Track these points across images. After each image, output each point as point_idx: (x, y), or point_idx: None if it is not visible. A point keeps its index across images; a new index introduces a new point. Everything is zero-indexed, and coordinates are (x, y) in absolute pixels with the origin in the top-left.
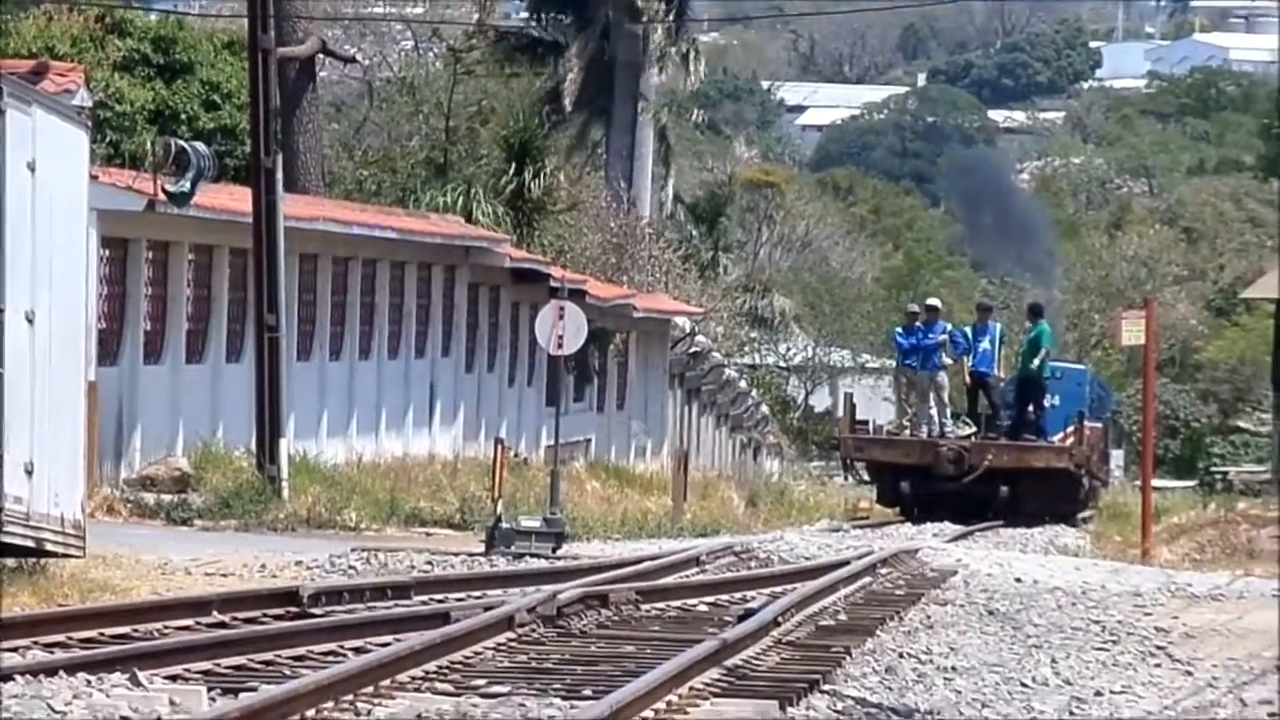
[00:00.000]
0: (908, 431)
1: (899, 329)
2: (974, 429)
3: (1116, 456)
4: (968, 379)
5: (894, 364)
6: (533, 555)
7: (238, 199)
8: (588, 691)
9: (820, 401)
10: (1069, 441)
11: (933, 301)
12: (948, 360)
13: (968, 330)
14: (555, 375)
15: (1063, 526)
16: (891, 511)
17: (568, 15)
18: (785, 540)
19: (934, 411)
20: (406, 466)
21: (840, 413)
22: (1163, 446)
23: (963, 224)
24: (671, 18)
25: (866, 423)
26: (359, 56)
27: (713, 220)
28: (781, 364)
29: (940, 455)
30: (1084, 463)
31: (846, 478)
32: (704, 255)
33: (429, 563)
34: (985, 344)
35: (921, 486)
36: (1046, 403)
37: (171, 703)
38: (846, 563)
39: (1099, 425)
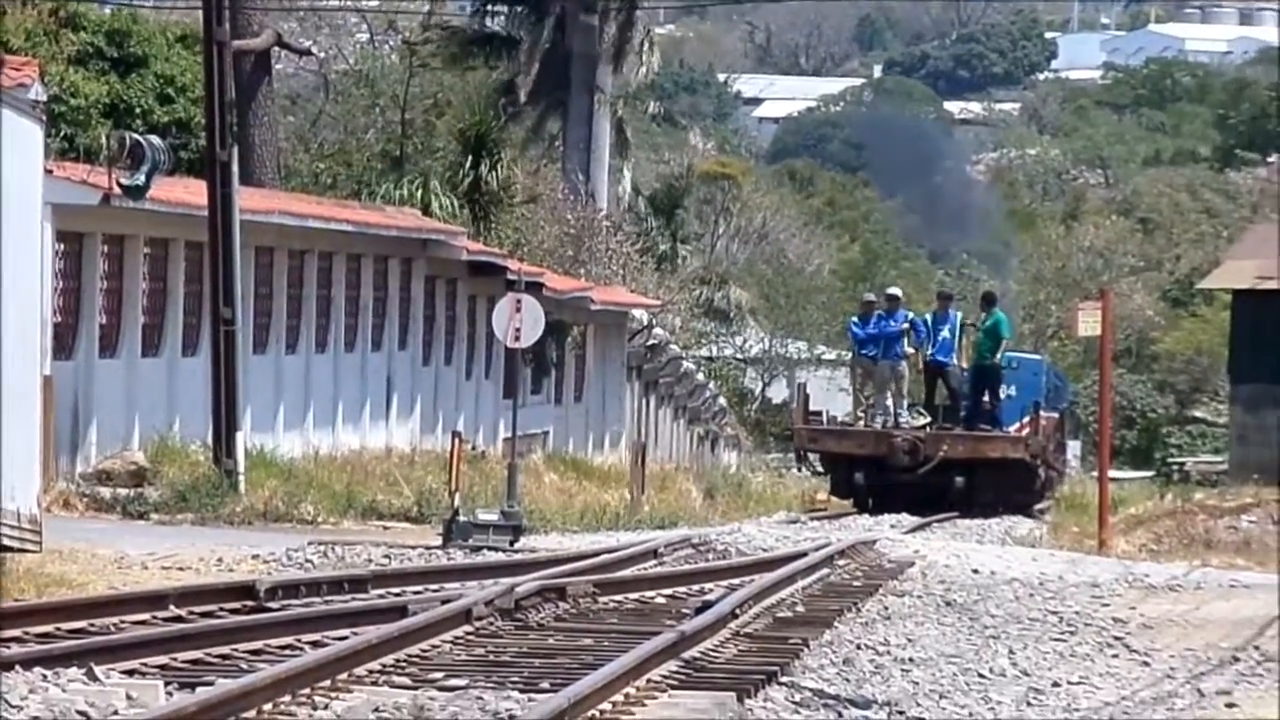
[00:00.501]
0: (862, 422)
1: (854, 319)
2: (929, 419)
3: (1073, 447)
4: (921, 367)
5: (850, 355)
6: (490, 548)
7: (193, 192)
8: (545, 684)
9: (778, 393)
10: (1025, 432)
11: (894, 290)
12: (909, 350)
13: (928, 318)
14: (512, 368)
15: (1020, 517)
16: (846, 503)
17: (523, 7)
18: (743, 532)
19: (890, 402)
20: (363, 460)
21: (794, 404)
22: (1119, 437)
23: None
24: (626, 9)
25: (820, 414)
26: (314, 49)
27: (670, 212)
28: (739, 356)
29: (895, 446)
30: (1040, 453)
31: (800, 469)
32: (661, 247)
33: (386, 556)
34: (945, 333)
35: (876, 478)
36: (1003, 393)
37: (128, 697)
38: (804, 554)
39: (1055, 415)
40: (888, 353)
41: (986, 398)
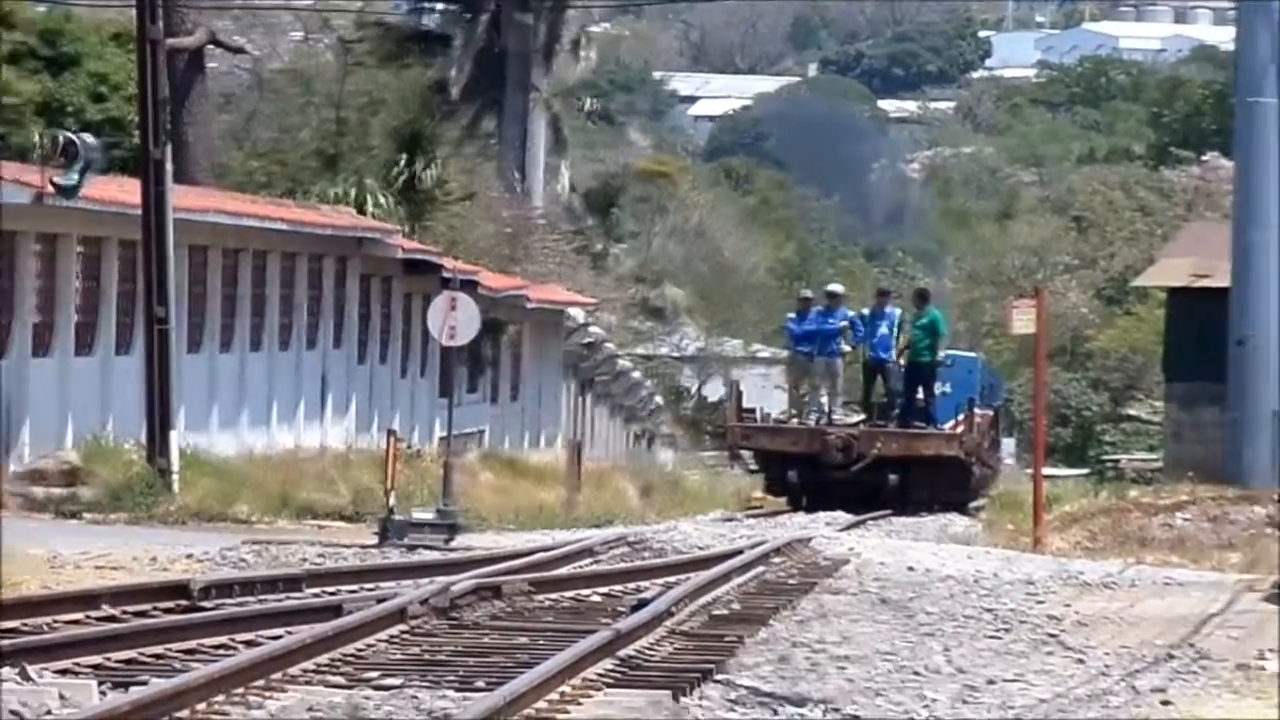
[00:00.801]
0: (795, 420)
1: (790, 315)
2: (863, 417)
3: (1008, 445)
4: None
5: (786, 353)
6: (426, 547)
7: (126, 191)
8: (481, 683)
9: (714, 391)
10: (959, 429)
11: (835, 287)
12: (846, 347)
13: (864, 313)
14: (448, 366)
15: (955, 515)
16: (782, 501)
17: (457, 5)
18: (679, 530)
19: (824, 399)
20: (298, 459)
21: (732, 401)
22: (1054, 435)
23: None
24: (559, 6)
25: (753, 411)
26: (248, 47)
27: (606, 211)
28: (675, 354)
29: (828, 443)
30: (974, 450)
31: (733, 467)
32: (597, 246)
33: (321, 555)
34: (883, 329)
35: (809, 475)
36: (938, 390)
37: (61, 697)
38: (740, 552)
39: (990, 413)
40: (824, 349)
41: (921, 395)
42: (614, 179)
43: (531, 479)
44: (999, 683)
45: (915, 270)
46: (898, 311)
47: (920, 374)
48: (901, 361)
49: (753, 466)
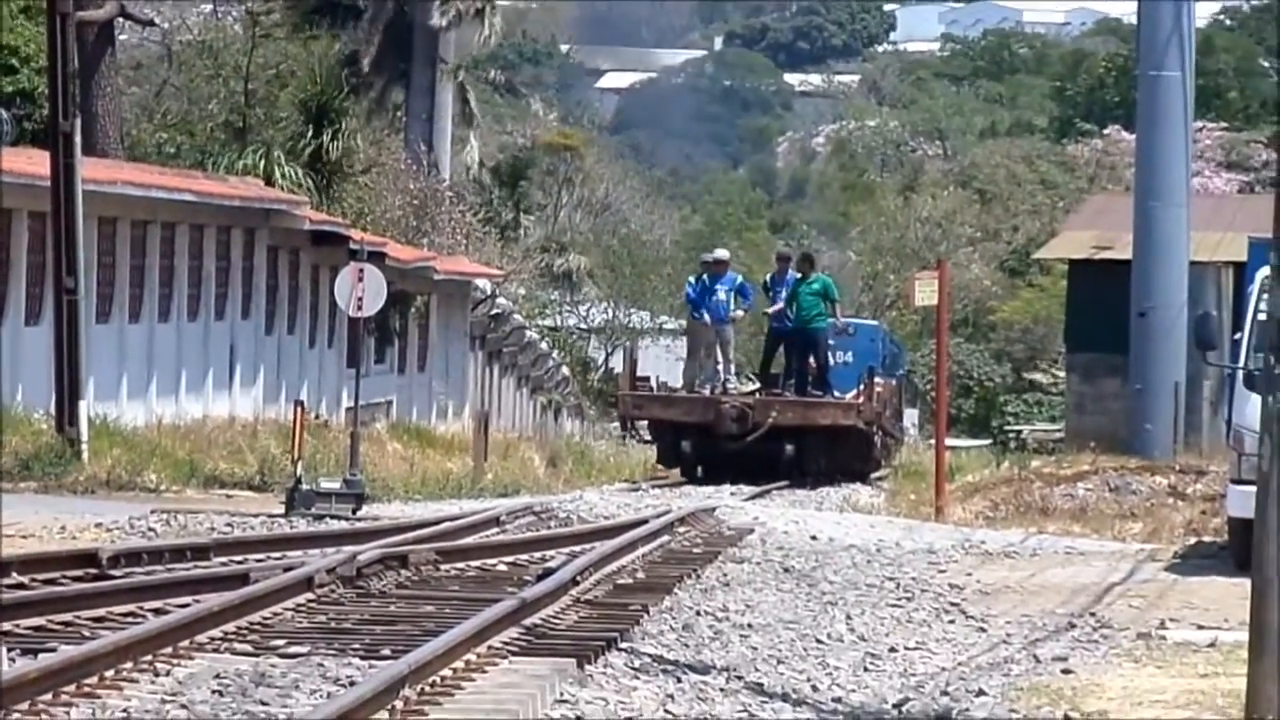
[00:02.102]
0: (685, 388)
1: (690, 279)
2: (757, 385)
3: (911, 415)
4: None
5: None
6: (333, 516)
7: (36, 163)
8: (386, 651)
9: (620, 363)
10: (859, 399)
11: (721, 253)
12: (736, 313)
13: (767, 280)
14: (355, 337)
15: (858, 485)
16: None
17: None
18: (585, 500)
19: (719, 367)
20: (206, 429)
21: (626, 370)
22: (957, 406)
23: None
24: None
25: (648, 379)
26: (158, 20)
27: (514, 184)
28: (582, 326)
29: (722, 413)
30: (874, 420)
31: (625, 438)
32: (505, 217)
33: (229, 524)
34: (785, 295)
35: (704, 446)
36: (839, 358)
37: None
38: (645, 521)
39: (892, 381)
40: (714, 316)
41: (812, 362)
42: (522, 153)
43: (439, 449)
44: (901, 651)
45: (819, 243)
46: (797, 277)
47: (811, 341)
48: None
49: (646, 436)
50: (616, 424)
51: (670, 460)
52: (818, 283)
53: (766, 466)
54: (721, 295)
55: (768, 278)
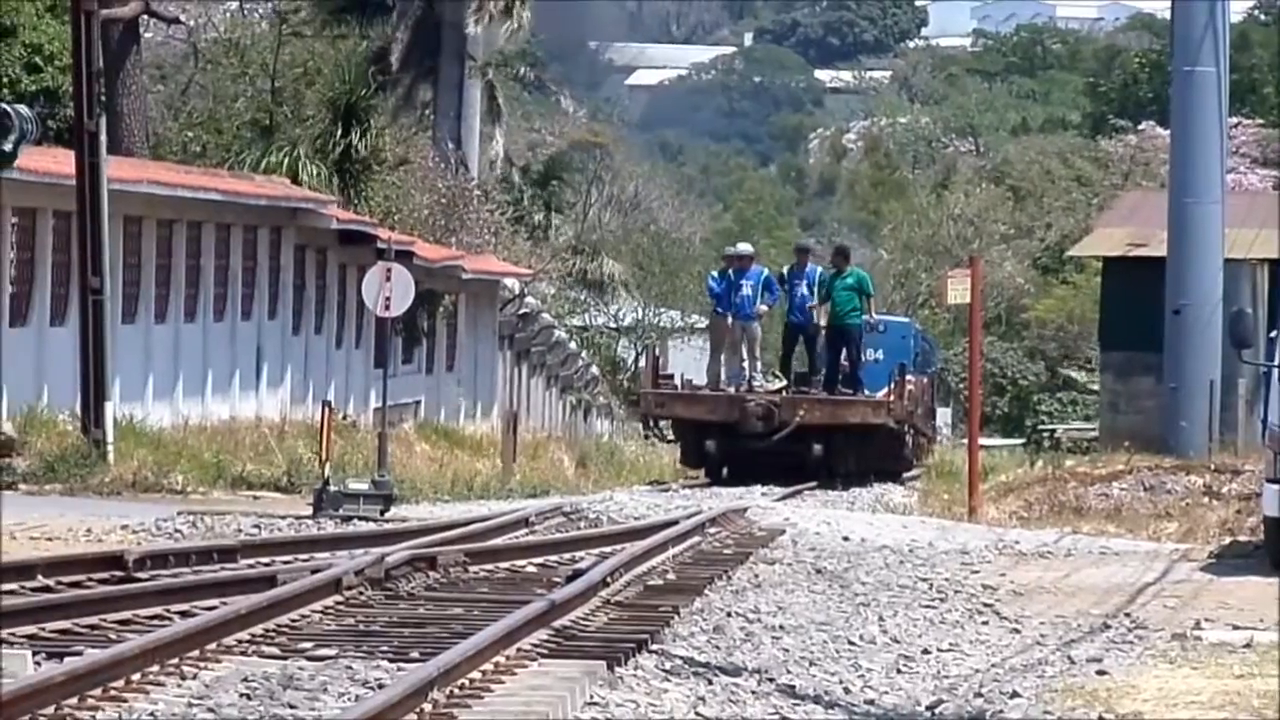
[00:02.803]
0: (709, 386)
1: (713, 274)
2: (785, 382)
3: (944, 414)
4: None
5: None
6: (361, 518)
7: (61, 162)
8: (415, 653)
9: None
10: (890, 396)
11: (744, 247)
12: (762, 308)
13: (784, 272)
14: (383, 337)
15: (890, 484)
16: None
17: None
18: (614, 500)
19: (745, 364)
20: (233, 429)
21: (648, 367)
22: (990, 404)
23: None
24: None
25: (671, 376)
26: (183, 17)
27: (545, 182)
28: (612, 325)
29: (748, 411)
30: (906, 418)
31: (647, 437)
32: (534, 217)
33: (256, 526)
34: (803, 289)
35: (728, 445)
36: (870, 356)
37: None
38: (675, 522)
39: (924, 379)
40: (739, 312)
41: (845, 359)
42: (556, 154)
43: (467, 449)
44: (934, 652)
45: (850, 241)
46: (819, 270)
47: (846, 337)
48: (823, 323)
49: (669, 436)
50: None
51: (694, 460)
52: (852, 277)
53: (794, 467)
54: (747, 290)
55: (784, 270)
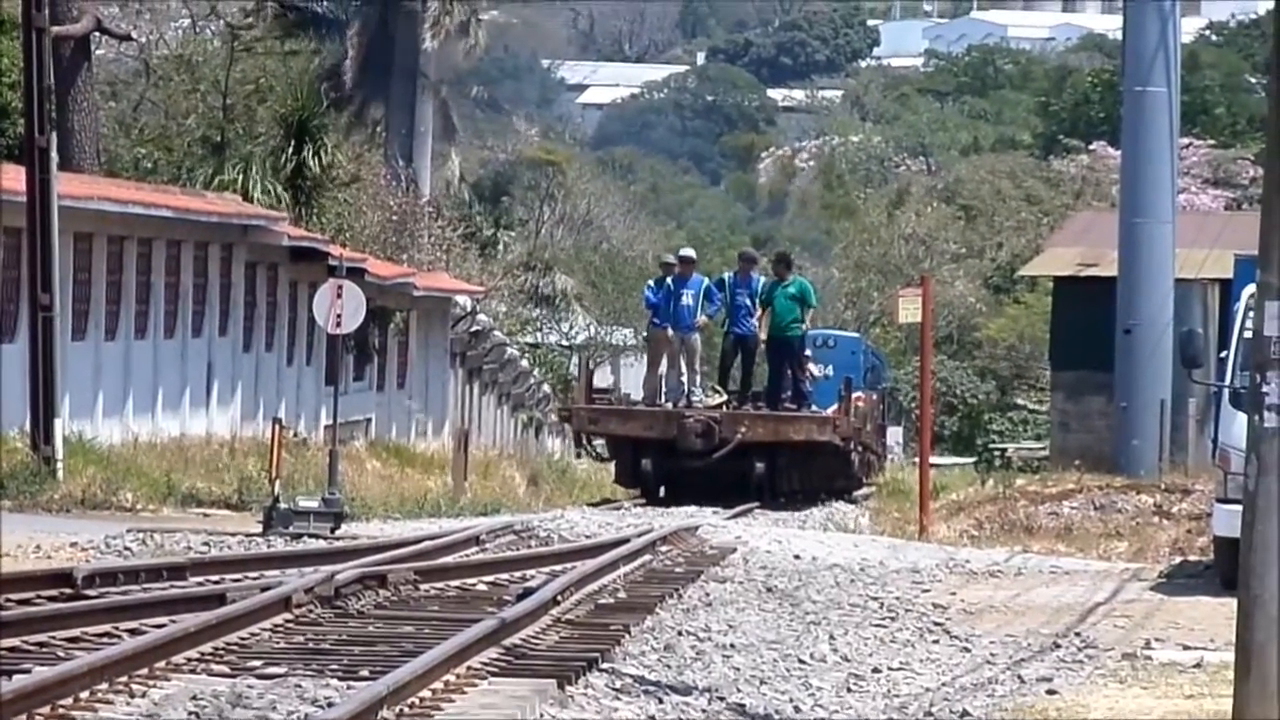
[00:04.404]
0: (645, 401)
1: (650, 283)
2: (725, 398)
3: (895, 433)
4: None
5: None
6: (311, 535)
7: (11, 178)
8: (365, 672)
9: (603, 380)
10: (837, 412)
11: (687, 252)
12: (703, 319)
13: (725, 278)
14: (334, 354)
15: (841, 503)
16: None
17: None
18: (566, 518)
19: (684, 378)
20: (183, 447)
21: (582, 381)
22: (941, 423)
23: None
24: None
25: (608, 391)
26: (135, 34)
27: (496, 199)
28: (564, 343)
29: (686, 428)
30: (853, 435)
31: (579, 455)
32: (485, 234)
33: (205, 544)
34: (745, 300)
35: (666, 464)
36: (819, 371)
37: None
38: (626, 540)
39: (873, 395)
40: (678, 322)
41: (789, 373)
42: (505, 170)
43: (418, 467)
44: (884, 671)
45: (802, 259)
46: (762, 279)
47: (788, 349)
48: (763, 336)
49: (604, 454)
50: (600, 441)
51: (629, 480)
52: (794, 285)
53: (735, 486)
54: (687, 300)
55: (727, 276)
